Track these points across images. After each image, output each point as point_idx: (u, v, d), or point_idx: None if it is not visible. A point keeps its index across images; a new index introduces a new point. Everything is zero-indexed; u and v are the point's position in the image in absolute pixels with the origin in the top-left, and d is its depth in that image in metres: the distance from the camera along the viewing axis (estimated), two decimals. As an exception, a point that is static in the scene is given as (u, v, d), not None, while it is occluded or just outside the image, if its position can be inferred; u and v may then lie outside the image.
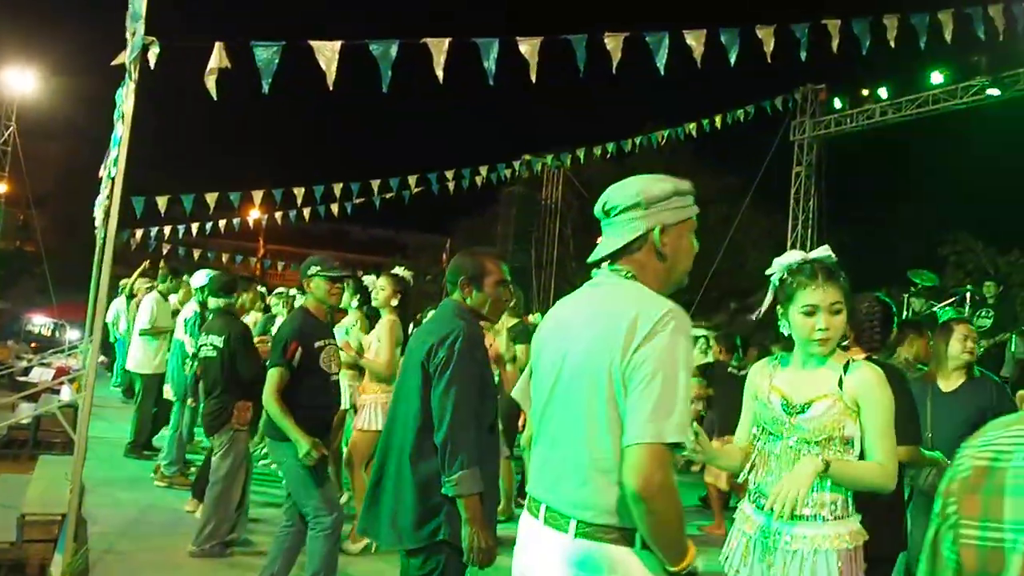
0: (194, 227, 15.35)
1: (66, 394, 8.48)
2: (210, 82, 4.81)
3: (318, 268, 4.24)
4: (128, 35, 4.51)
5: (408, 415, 2.89)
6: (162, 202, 11.42)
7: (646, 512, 1.73)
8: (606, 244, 2.03)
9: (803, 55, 7.12)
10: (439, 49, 5.54)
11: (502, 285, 3.09)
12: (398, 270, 5.74)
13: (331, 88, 5.17)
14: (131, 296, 10.75)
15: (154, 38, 4.42)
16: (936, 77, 14.10)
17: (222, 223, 15.86)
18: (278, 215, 15.58)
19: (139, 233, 15.15)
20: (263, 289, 10.98)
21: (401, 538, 2.86)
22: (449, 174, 14.11)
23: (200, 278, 6.41)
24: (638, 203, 1.97)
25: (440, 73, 5.58)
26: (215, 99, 4.83)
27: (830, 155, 16.89)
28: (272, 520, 5.99)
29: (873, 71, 15.08)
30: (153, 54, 4.47)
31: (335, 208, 14.66)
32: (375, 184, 13.76)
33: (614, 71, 6.16)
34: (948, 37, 7.73)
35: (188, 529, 5.38)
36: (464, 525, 2.72)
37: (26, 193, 21.21)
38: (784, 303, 2.58)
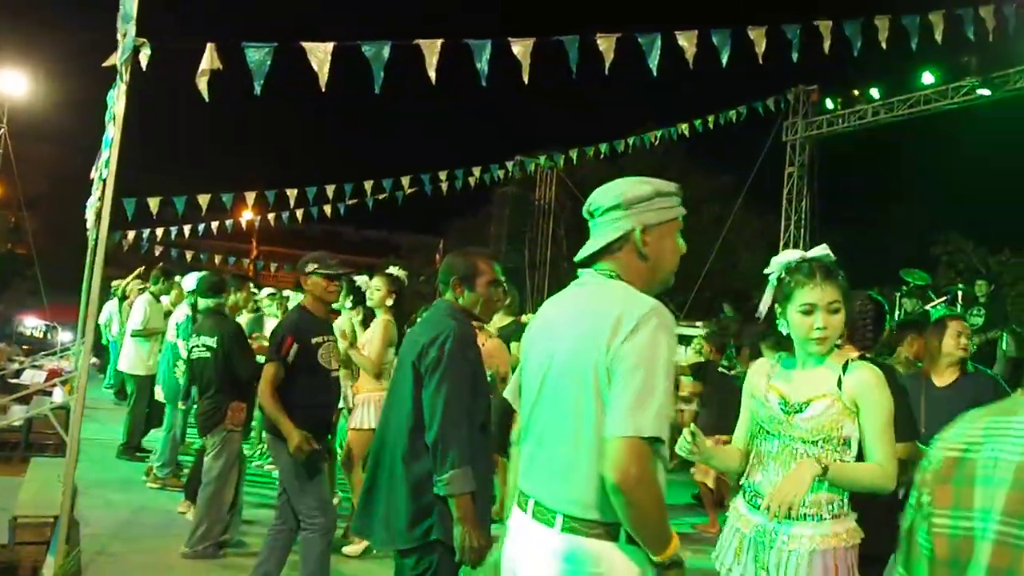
0: (186, 229, 15.32)
1: (58, 396, 8.45)
2: (202, 83, 4.81)
3: (316, 266, 4.23)
4: (119, 36, 4.51)
5: (400, 415, 2.89)
6: (154, 203, 11.40)
7: (625, 504, 1.77)
8: (590, 244, 2.08)
9: (795, 56, 7.14)
10: (431, 50, 5.55)
11: (494, 285, 3.10)
12: (392, 270, 5.72)
13: (323, 90, 5.17)
14: (123, 298, 10.72)
15: (145, 40, 4.41)
16: (927, 78, 14.15)
17: (214, 224, 15.83)
18: (271, 216, 15.56)
19: (131, 235, 15.12)
20: (256, 289, 10.96)
21: (394, 538, 2.86)
22: (442, 175, 14.12)
23: (191, 281, 6.40)
24: (619, 204, 2.02)
25: (433, 74, 5.58)
26: (207, 100, 4.83)
27: (822, 155, 16.94)
28: (265, 521, 5.96)
29: (865, 72, 15.18)
30: (145, 55, 4.46)
31: (328, 209, 14.65)
32: (368, 185, 13.76)
33: (606, 72, 6.18)
34: (939, 38, 7.77)
35: (181, 530, 5.37)
36: (455, 524, 2.73)
37: (17, 195, 21.15)
38: (782, 302, 2.58)
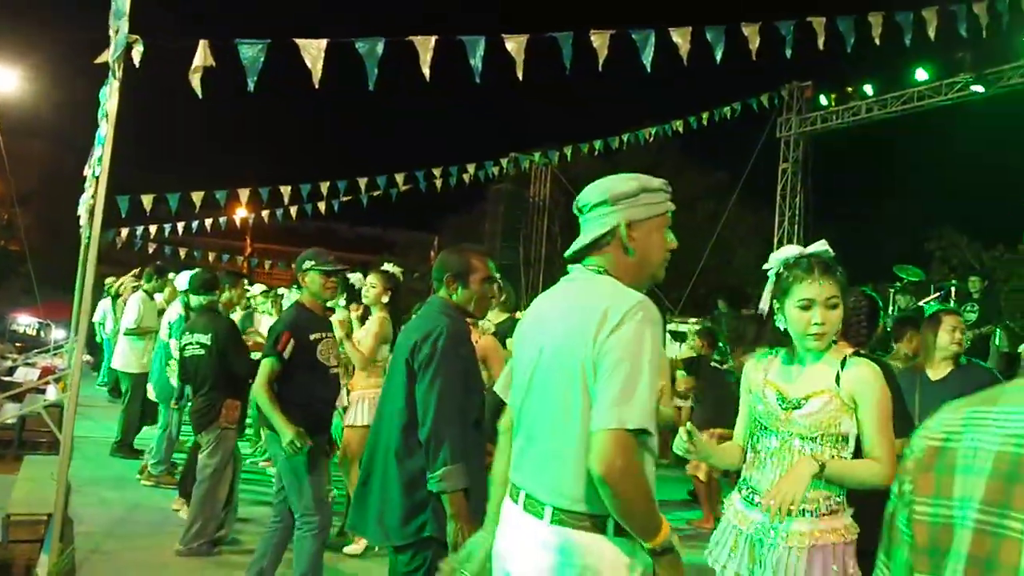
0: (180, 226, 15.28)
1: (51, 394, 8.43)
2: (195, 80, 4.79)
3: (313, 262, 4.22)
4: (112, 33, 4.49)
5: (394, 412, 2.90)
6: (147, 201, 11.36)
7: (611, 495, 1.80)
8: (578, 240, 2.11)
9: (788, 52, 7.15)
10: (425, 47, 5.54)
11: (488, 282, 3.10)
12: (388, 267, 5.71)
13: (317, 87, 5.16)
14: (116, 296, 10.69)
15: (138, 36, 4.39)
16: (921, 74, 14.17)
17: (208, 222, 15.79)
18: (265, 213, 15.53)
19: (124, 232, 15.07)
20: (248, 286, 10.93)
21: (388, 535, 2.86)
22: (437, 171, 14.10)
23: (184, 281, 6.38)
24: (605, 200, 2.05)
25: (427, 71, 5.57)
26: (200, 97, 4.81)
27: (816, 152, 16.95)
28: (261, 519, 5.97)
29: (858, 68, 15.19)
30: (137, 52, 4.45)
31: (322, 206, 14.61)
32: (362, 182, 13.74)
33: (600, 68, 6.17)
34: (932, 34, 7.78)
35: (175, 528, 5.37)
36: (449, 520, 2.73)
37: (10, 192, 21.08)
38: (780, 297, 2.57)
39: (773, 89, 16.03)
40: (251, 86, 4.98)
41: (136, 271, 10.89)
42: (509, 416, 2.27)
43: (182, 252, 17.86)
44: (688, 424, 2.56)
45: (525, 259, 21.83)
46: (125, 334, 8.22)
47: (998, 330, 9.81)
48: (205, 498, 5.10)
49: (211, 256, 19.04)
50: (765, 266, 2.67)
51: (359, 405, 5.38)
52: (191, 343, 5.32)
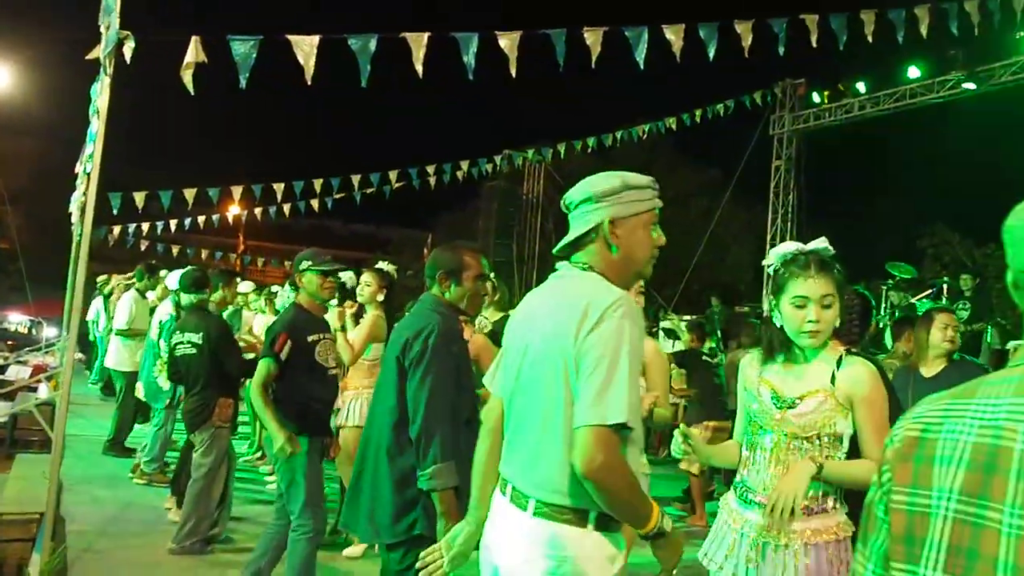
0: (172, 223, 15.23)
1: (43, 392, 8.39)
2: (186, 76, 4.78)
3: (310, 263, 4.20)
4: (102, 29, 4.47)
5: (385, 410, 2.89)
6: (139, 198, 11.33)
7: (596, 490, 1.84)
8: (565, 238, 2.15)
9: (781, 50, 7.16)
10: (418, 44, 5.53)
11: (481, 279, 3.10)
12: (382, 265, 5.69)
13: (309, 83, 5.15)
14: (108, 295, 10.65)
15: (129, 32, 4.37)
16: (913, 72, 14.20)
17: (201, 219, 15.74)
18: (258, 211, 15.49)
19: (116, 229, 15.02)
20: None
21: (378, 532, 2.86)
22: (430, 169, 14.08)
23: (175, 280, 6.35)
24: (589, 198, 2.08)
25: (420, 68, 5.56)
26: (192, 94, 4.80)
27: (809, 149, 16.97)
28: (255, 518, 5.97)
29: (851, 66, 15.22)
30: (128, 48, 4.43)
31: (315, 203, 14.58)
32: (355, 179, 13.71)
33: (593, 66, 6.17)
34: (924, 32, 7.80)
35: (167, 527, 5.35)
36: (439, 518, 2.72)
37: (0, 190, 20.94)
38: (776, 294, 2.56)
39: (766, 86, 16.06)
40: (243, 83, 4.97)
41: (127, 275, 10.84)
42: (490, 406, 2.31)
43: (174, 249, 17.78)
44: (683, 427, 2.56)
45: (519, 256, 21.82)
46: (115, 334, 8.19)
47: (989, 327, 9.85)
48: (199, 497, 5.08)
49: (204, 254, 18.97)
50: (765, 262, 2.66)
51: (354, 404, 5.36)
52: (182, 342, 5.29)
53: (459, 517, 2.69)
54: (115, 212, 11.48)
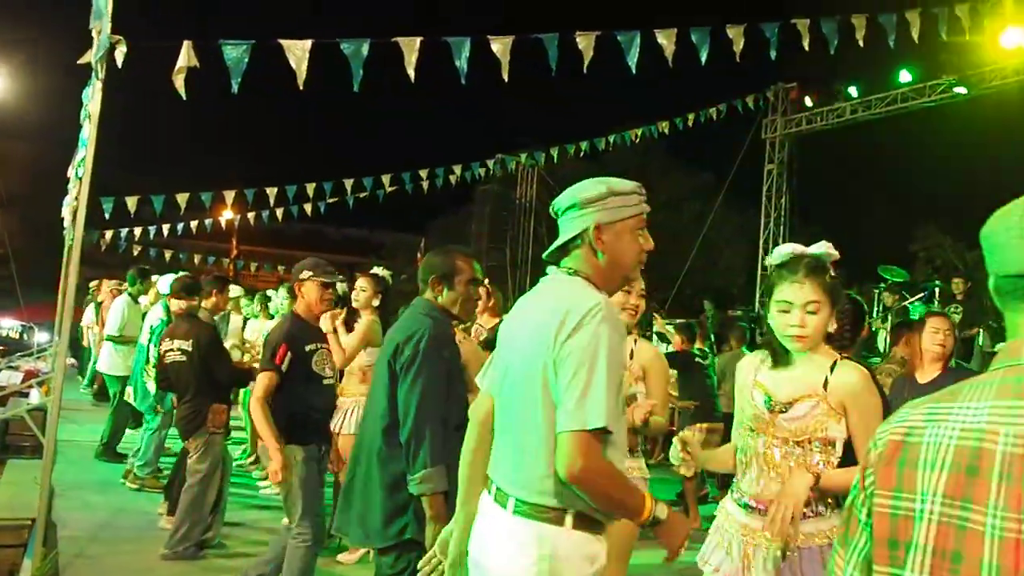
0: (165, 228, 15.19)
1: (35, 397, 8.36)
2: (178, 81, 4.77)
3: (311, 272, 4.16)
4: (94, 34, 4.46)
5: (377, 414, 2.89)
6: (132, 203, 11.30)
7: (583, 492, 1.90)
8: (554, 243, 2.20)
9: (773, 54, 7.19)
10: (410, 48, 5.53)
11: (473, 283, 3.10)
12: (377, 270, 5.67)
13: (301, 87, 5.15)
14: (99, 304, 10.61)
15: (121, 37, 4.36)
16: (904, 76, 14.27)
17: (194, 224, 15.71)
18: (251, 216, 15.46)
19: (109, 234, 14.98)
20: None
21: (369, 537, 2.86)
22: (423, 173, 14.08)
23: (166, 284, 6.33)
24: (575, 204, 2.12)
25: (412, 72, 5.56)
26: (184, 99, 4.79)
27: (801, 153, 17.04)
28: (249, 523, 5.96)
29: (843, 70, 15.26)
30: (120, 53, 4.42)
31: (308, 208, 14.57)
32: (348, 183, 13.70)
33: (585, 70, 6.18)
34: (915, 36, 7.85)
35: (160, 532, 5.34)
36: (428, 523, 2.72)
37: (-8, 194, 20.86)
38: (767, 296, 2.56)
39: (758, 91, 16.10)
40: (235, 87, 4.97)
41: (116, 282, 10.80)
42: (479, 400, 2.35)
43: (167, 254, 17.75)
44: (681, 434, 2.57)
45: (512, 260, 21.84)
46: (106, 339, 8.16)
47: (981, 330, 9.88)
48: (193, 502, 5.06)
49: (196, 258, 18.96)
50: (767, 260, 2.67)
51: (350, 412, 5.31)
52: (172, 349, 5.25)
53: (448, 522, 2.70)
54: (107, 217, 11.45)
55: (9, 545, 4.50)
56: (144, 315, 7.90)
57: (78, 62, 4.74)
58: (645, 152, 22.35)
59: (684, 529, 2.07)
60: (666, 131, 14.32)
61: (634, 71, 6.32)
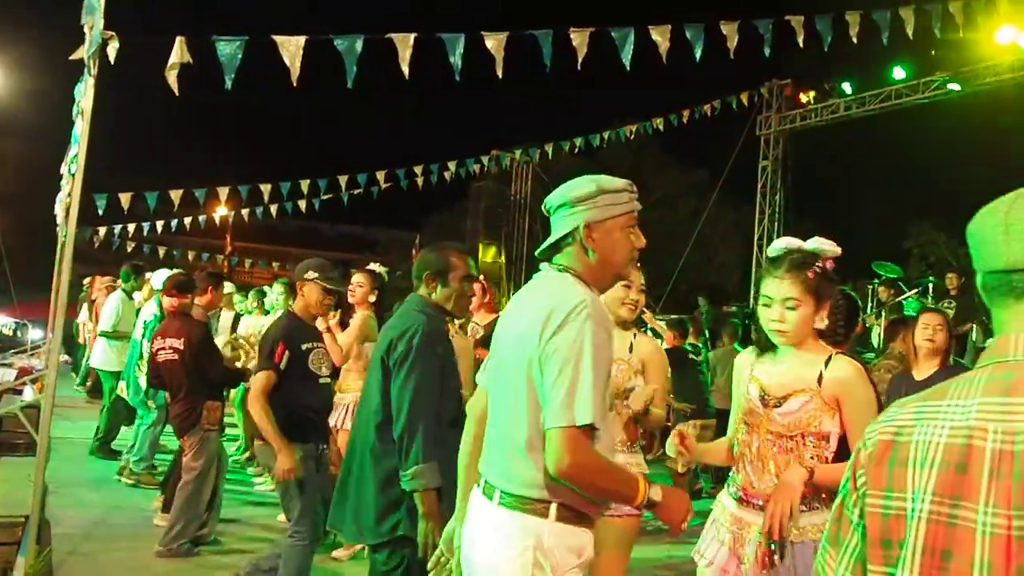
0: (159, 225, 15.15)
1: (28, 394, 8.33)
2: (171, 77, 4.76)
3: (317, 275, 4.14)
4: (86, 29, 4.44)
5: (370, 411, 2.89)
6: (125, 199, 11.27)
7: (574, 487, 1.95)
8: (546, 241, 2.22)
9: (767, 51, 7.19)
10: (404, 44, 5.53)
11: (467, 280, 3.10)
12: (374, 266, 5.66)
13: (295, 84, 5.14)
14: (91, 302, 10.58)
15: (113, 33, 4.35)
16: (898, 72, 14.30)
17: (187, 220, 15.67)
18: (245, 212, 15.43)
19: (102, 231, 14.93)
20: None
21: (363, 533, 2.86)
22: (418, 169, 14.07)
23: (160, 279, 6.31)
24: (565, 202, 2.15)
25: (405, 69, 5.56)
26: (177, 95, 4.78)
27: (796, 149, 17.06)
28: (244, 520, 5.96)
29: (837, 66, 15.28)
30: (113, 49, 4.40)
31: (303, 204, 14.54)
32: (343, 180, 13.68)
33: (579, 67, 6.18)
34: (910, 33, 7.86)
35: (154, 529, 5.33)
36: (419, 519, 2.72)
37: (-15, 191, 20.78)
38: (758, 289, 2.59)
39: (753, 87, 16.12)
40: (228, 84, 4.95)
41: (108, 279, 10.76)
42: (477, 395, 2.38)
43: (161, 251, 17.70)
44: (680, 427, 2.59)
45: (506, 257, 21.84)
46: (100, 335, 8.14)
47: (975, 327, 9.90)
48: (188, 500, 5.05)
49: (191, 255, 18.90)
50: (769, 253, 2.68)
51: (350, 408, 5.29)
52: (164, 348, 5.24)
53: (441, 518, 2.71)
54: (100, 213, 11.42)
55: (2, 543, 4.49)
56: (138, 311, 7.89)
57: (70, 58, 4.73)
58: (640, 149, 22.40)
59: (682, 504, 2.11)
60: (661, 128, 14.33)
61: (628, 68, 6.31)
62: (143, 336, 6.86)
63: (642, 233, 2.22)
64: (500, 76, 5.99)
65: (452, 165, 14.37)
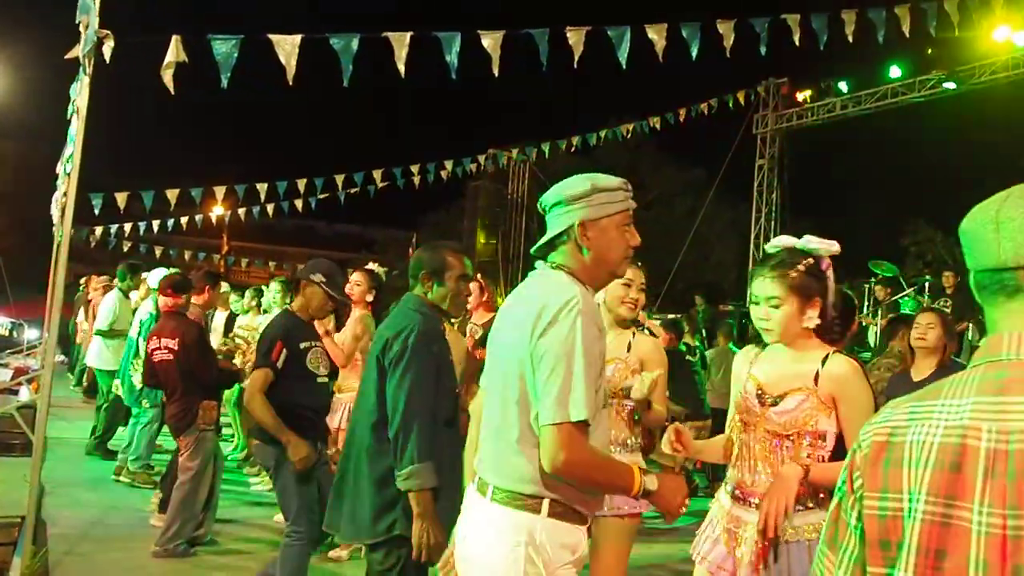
0: (155, 224, 15.13)
1: (24, 395, 8.33)
2: (167, 76, 4.74)
3: (323, 279, 4.10)
4: (81, 28, 4.43)
5: (366, 410, 2.89)
6: (121, 199, 11.23)
7: (568, 481, 1.98)
8: (541, 239, 2.23)
9: (763, 49, 7.19)
10: (400, 43, 5.52)
11: (463, 279, 3.09)
12: (372, 266, 5.65)
13: (291, 83, 5.12)
14: (88, 302, 10.57)
15: (108, 32, 4.33)
16: (894, 71, 14.34)
17: (184, 220, 15.64)
18: (241, 211, 15.41)
19: (99, 230, 14.90)
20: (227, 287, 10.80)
21: (359, 532, 2.86)
22: (414, 168, 14.05)
23: (156, 278, 6.30)
24: (560, 201, 2.17)
25: (402, 67, 5.55)
26: (172, 94, 4.76)
27: (792, 148, 17.09)
28: (242, 520, 5.95)
29: (833, 65, 15.31)
30: (108, 48, 4.39)
31: (299, 204, 14.52)
32: (339, 179, 13.66)
33: (576, 65, 6.17)
34: (906, 31, 7.86)
35: (150, 529, 5.32)
36: (415, 519, 2.72)
37: (-19, 191, 20.75)
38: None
39: (749, 86, 16.12)
40: (224, 82, 4.94)
41: (103, 279, 10.74)
42: (479, 396, 2.41)
43: (157, 251, 17.67)
44: (676, 425, 2.60)
45: (504, 256, 21.85)
46: (96, 334, 8.12)
47: (971, 325, 9.92)
48: (184, 500, 5.04)
49: (187, 254, 18.87)
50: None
51: (344, 408, 5.28)
52: (159, 348, 5.22)
53: (435, 518, 2.71)
54: (96, 213, 11.39)
55: (-1, 543, 4.49)
56: (135, 310, 7.88)
57: (65, 57, 4.71)
58: (636, 147, 22.40)
59: (679, 491, 2.13)
60: (657, 126, 14.33)
61: (625, 66, 6.31)
62: (139, 334, 6.84)
63: (638, 232, 2.22)
64: (496, 75, 5.98)
65: (449, 164, 14.34)
